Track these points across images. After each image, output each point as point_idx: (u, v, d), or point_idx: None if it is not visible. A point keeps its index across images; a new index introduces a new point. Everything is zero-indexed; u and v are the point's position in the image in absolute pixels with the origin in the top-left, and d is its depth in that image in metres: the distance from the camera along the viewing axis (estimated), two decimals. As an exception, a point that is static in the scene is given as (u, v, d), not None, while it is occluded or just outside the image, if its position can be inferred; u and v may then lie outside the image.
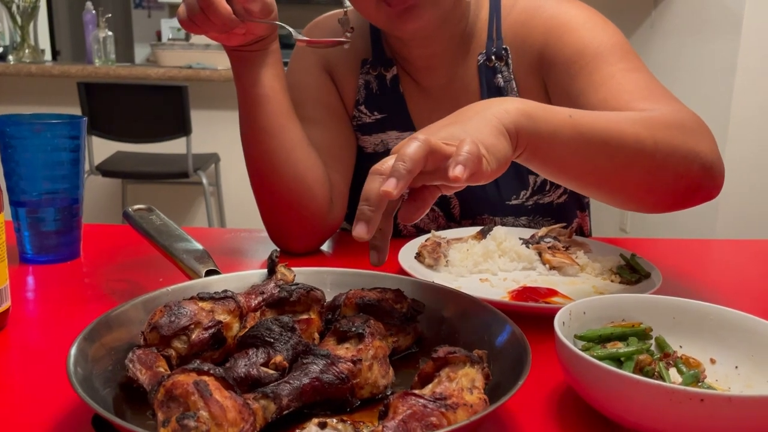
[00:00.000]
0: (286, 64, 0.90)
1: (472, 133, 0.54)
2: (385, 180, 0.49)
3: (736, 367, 0.54)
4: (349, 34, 0.90)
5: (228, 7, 0.74)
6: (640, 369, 0.52)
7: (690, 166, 0.70)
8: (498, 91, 0.93)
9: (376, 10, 0.82)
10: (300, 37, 0.81)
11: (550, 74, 0.87)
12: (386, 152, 0.99)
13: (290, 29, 0.81)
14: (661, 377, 0.51)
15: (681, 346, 0.56)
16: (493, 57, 0.92)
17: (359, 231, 0.50)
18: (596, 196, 0.71)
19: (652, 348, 0.55)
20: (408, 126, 0.98)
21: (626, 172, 0.67)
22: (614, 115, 0.68)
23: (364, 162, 1.00)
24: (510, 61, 0.92)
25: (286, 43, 0.90)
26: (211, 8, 0.73)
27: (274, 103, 0.85)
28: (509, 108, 0.58)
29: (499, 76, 0.92)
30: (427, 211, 0.55)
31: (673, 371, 0.53)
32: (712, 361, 0.55)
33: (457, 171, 0.49)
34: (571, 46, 0.85)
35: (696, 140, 0.71)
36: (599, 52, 0.82)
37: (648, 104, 0.75)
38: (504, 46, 0.92)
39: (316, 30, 1.01)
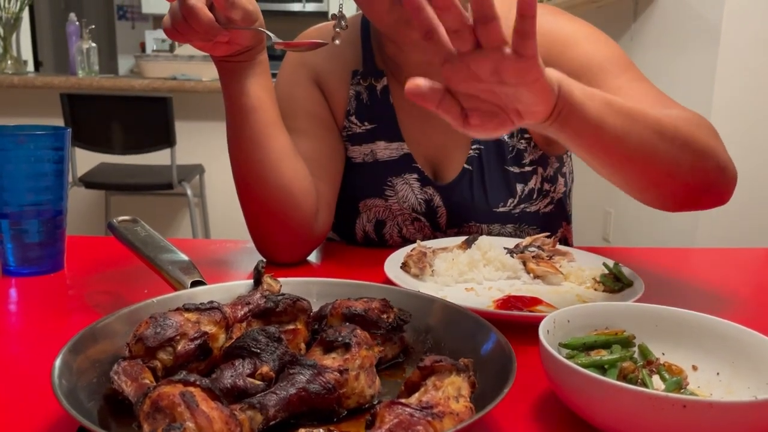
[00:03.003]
0: (274, 75, 0.90)
1: None
2: None
3: (718, 373, 0.54)
4: (338, 29, 0.90)
5: (210, 15, 0.74)
6: (623, 376, 0.52)
7: (706, 161, 0.73)
8: None
9: (389, 11, 0.82)
10: (278, 41, 0.81)
11: None
12: (375, 162, 0.99)
13: (269, 33, 0.81)
14: (644, 384, 0.52)
15: (663, 354, 0.57)
16: None
17: None
18: (619, 176, 0.73)
19: (635, 355, 0.56)
20: (397, 136, 0.98)
21: (650, 152, 0.69)
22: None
23: (351, 172, 1.01)
24: None
25: (275, 54, 0.90)
26: (192, 16, 0.73)
27: (261, 114, 0.85)
28: (548, 69, 0.58)
29: None
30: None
31: (656, 378, 0.54)
32: (694, 368, 0.55)
33: None
34: (574, 61, 0.86)
35: (711, 139, 0.74)
36: (603, 66, 0.84)
37: (660, 109, 0.77)
38: None
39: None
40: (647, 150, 0.69)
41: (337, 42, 0.89)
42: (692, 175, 0.73)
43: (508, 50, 0.52)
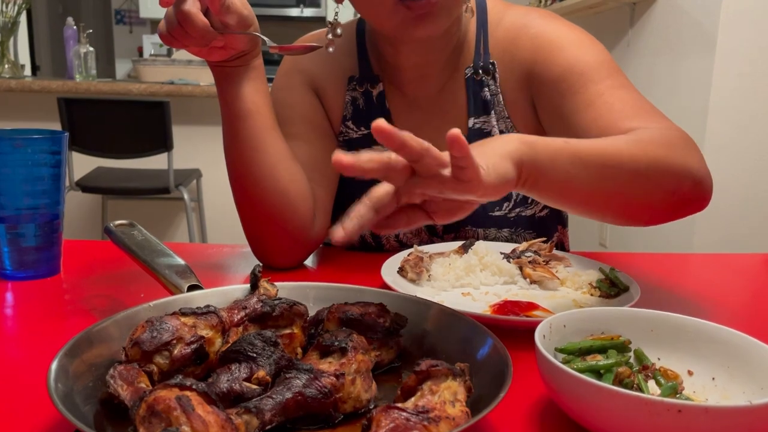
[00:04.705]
0: (270, 80, 0.90)
1: (476, 154, 0.54)
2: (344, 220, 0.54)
3: (713, 378, 0.55)
4: (330, 36, 0.90)
5: (205, 20, 0.74)
6: (619, 381, 0.52)
7: (682, 182, 0.72)
8: (485, 105, 0.94)
9: (393, 12, 0.81)
10: (273, 44, 0.81)
11: (541, 92, 0.89)
12: (370, 168, 0.99)
13: (264, 38, 0.81)
14: (640, 389, 0.52)
15: (659, 358, 0.57)
16: (480, 71, 0.94)
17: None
18: (599, 218, 0.73)
19: (631, 360, 0.56)
20: (393, 141, 0.99)
21: (625, 192, 0.69)
22: (608, 139, 0.71)
23: (347, 177, 1.01)
24: (497, 75, 0.93)
25: (271, 60, 0.90)
26: (188, 21, 0.73)
27: (258, 118, 0.85)
28: (510, 139, 0.59)
29: (486, 89, 0.94)
30: (395, 231, 0.56)
31: (651, 383, 0.54)
32: (690, 373, 0.56)
33: (455, 132, 0.49)
34: (559, 65, 0.86)
35: (686, 157, 0.73)
36: (586, 71, 0.84)
37: (637, 122, 0.77)
38: (491, 61, 0.93)
39: None
40: (623, 191, 0.69)
41: (330, 50, 0.89)
42: (668, 200, 0.73)
43: (446, 172, 0.52)
